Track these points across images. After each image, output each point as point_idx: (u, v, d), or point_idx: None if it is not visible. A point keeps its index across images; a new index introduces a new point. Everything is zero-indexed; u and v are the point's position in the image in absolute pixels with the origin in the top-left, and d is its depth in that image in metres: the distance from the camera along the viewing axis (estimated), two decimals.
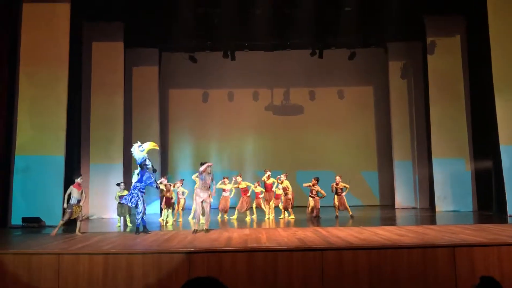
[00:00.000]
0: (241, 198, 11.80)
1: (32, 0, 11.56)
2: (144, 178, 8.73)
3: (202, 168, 8.73)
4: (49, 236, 8.53)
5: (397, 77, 15.96)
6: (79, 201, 8.77)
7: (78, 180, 8.84)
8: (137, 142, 8.89)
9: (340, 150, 16.86)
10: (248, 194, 11.82)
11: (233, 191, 12.00)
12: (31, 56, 11.41)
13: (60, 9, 11.59)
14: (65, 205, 8.81)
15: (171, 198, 11.38)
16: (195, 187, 10.29)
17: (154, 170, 8.98)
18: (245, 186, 11.80)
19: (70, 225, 11.13)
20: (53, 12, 11.60)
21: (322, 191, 11.37)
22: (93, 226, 11.46)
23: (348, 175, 12.20)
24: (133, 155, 8.81)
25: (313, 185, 11.37)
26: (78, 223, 8.72)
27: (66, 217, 8.63)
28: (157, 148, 9.46)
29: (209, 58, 16.34)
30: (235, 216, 11.93)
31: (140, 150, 8.72)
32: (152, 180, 8.82)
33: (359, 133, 17.08)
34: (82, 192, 8.87)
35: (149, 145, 8.90)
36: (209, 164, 8.84)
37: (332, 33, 14.70)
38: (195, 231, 8.50)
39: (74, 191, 8.74)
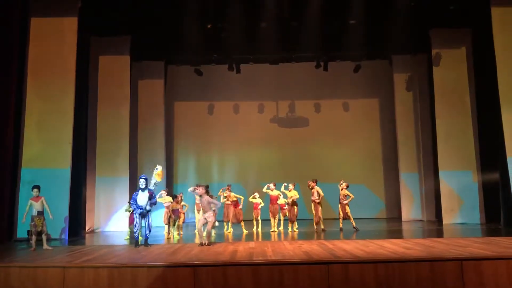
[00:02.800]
0: (234, 210, 11.66)
1: (40, 14, 11.70)
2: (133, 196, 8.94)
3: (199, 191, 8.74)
4: (55, 248, 8.57)
5: (402, 89, 15.95)
6: (39, 212, 8.66)
7: (33, 193, 8.78)
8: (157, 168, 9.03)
9: (345, 162, 16.82)
10: (240, 207, 11.81)
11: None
12: (38, 70, 11.52)
13: (67, 23, 11.72)
14: (24, 220, 8.74)
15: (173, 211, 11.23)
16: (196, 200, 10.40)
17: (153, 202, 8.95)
18: (236, 199, 11.73)
19: (76, 237, 11.24)
20: (60, 27, 11.73)
21: (321, 192, 11.46)
22: (99, 239, 11.45)
23: (353, 187, 12.19)
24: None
25: (311, 187, 11.44)
26: (44, 236, 8.65)
27: (32, 229, 8.59)
28: (159, 179, 9.10)
29: (214, 71, 16.45)
30: (230, 230, 11.81)
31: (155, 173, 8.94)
32: (133, 203, 8.85)
33: (364, 145, 17.05)
34: (41, 202, 8.73)
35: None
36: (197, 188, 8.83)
37: (337, 46, 14.78)
38: (202, 244, 8.52)
39: (33, 203, 8.70)
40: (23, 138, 11.27)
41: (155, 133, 15.53)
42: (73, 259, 7.09)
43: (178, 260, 6.83)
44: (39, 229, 8.62)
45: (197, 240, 10.05)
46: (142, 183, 8.77)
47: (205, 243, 8.51)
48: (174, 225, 11.13)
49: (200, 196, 8.77)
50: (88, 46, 13.26)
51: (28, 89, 11.44)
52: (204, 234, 8.77)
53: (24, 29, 11.51)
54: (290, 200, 11.55)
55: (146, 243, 8.76)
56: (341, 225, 11.58)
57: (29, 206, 8.72)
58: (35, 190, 8.84)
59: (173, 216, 11.13)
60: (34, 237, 8.59)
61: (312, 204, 11.48)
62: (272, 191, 11.78)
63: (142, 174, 9.20)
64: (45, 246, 8.61)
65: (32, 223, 8.62)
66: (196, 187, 8.84)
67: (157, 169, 8.95)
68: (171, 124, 17.09)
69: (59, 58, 11.59)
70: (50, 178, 10.73)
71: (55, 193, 10.40)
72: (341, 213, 11.46)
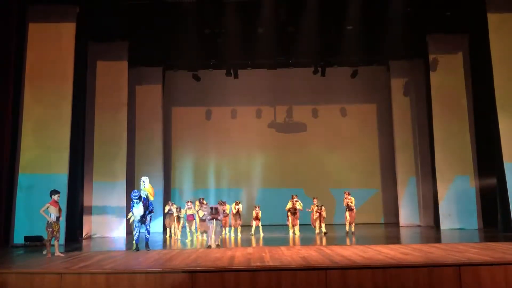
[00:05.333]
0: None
1: (38, 19, 11.72)
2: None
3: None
4: (48, 256, 8.52)
5: (399, 95, 16.01)
6: (57, 218, 8.50)
7: (54, 197, 8.55)
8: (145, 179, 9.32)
9: (343, 167, 16.83)
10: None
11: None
12: (36, 75, 11.51)
13: (65, 28, 11.74)
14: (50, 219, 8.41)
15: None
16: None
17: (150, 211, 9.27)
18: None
19: (74, 242, 11.19)
20: (58, 32, 11.74)
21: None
22: (96, 244, 11.39)
23: (351, 193, 12.29)
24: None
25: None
26: (56, 243, 8.47)
27: (49, 236, 8.38)
28: (150, 195, 9.37)
29: (212, 76, 16.46)
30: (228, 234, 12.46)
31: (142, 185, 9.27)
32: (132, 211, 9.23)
33: (362, 150, 17.06)
34: (59, 209, 8.59)
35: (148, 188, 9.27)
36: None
37: (335, 51, 14.83)
38: (209, 246, 9.07)
39: (51, 208, 8.46)
40: (20, 144, 11.23)
41: (153, 138, 15.51)
42: (70, 265, 7.05)
43: (176, 265, 6.80)
44: (55, 234, 8.42)
45: (194, 247, 10.08)
46: (135, 197, 8.90)
47: (217, 245, 9.24)
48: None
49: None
50: (86, 52, 13.26)
51: (25, 94, 11.44)
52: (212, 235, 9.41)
53: (22, 35, 11.52)
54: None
55: (147, 246, 8.99)
56: (347, 229, 12.14)
57: (46, 208, 8.43)
58: (58, 195, 8.58)
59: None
60: (57, 243, 8.44)
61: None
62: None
63: (132, 191, 9.20)
64: (57, 252, 8.44)
65: (50, 230, 8.38)
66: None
67: (143, 182, 9.13)
68: (168, 129, 17.07)
69: (57, 63, 11.59)
70: (47, 183, 10.63)
71: None
72: (348, 218, 12.08)
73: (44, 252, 8.58)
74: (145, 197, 9.07)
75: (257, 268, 6.41)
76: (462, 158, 13.80)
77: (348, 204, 12.10)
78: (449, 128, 13.93)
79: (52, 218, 8.46)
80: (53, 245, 8.50)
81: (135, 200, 8.89)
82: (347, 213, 12.11)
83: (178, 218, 12.18)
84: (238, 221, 12.41)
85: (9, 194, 10.90)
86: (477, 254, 7.17)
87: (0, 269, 6.82)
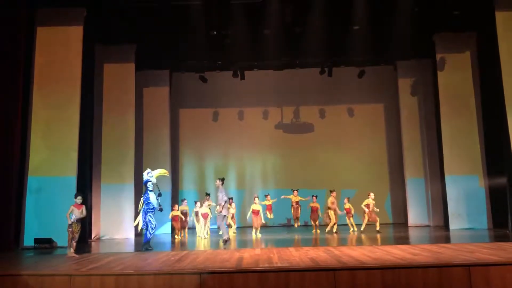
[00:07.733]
0: (255, 217, 12.96)
1: (46, 23, 11.81)
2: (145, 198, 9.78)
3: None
4: (62, 256, 8.58)
5: (407, 94, 15.93)
6: (78, 219, 8.83)
7: (77, 201, 8.93)
8: (147, 170, 10.04)
9: (351, 168, 16.77)
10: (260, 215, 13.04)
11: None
12: (44, 78, 11.60)
13: (73, 32, 11.82)
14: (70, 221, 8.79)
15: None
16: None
17: (159, 195, 9.84)
18: (258, 209, 13.02)
19: (83, 244, 11.25)
20: (66, 35, 11.83)
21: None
22: (105, 246, 11.45)
23: (359, 194, 12.29)
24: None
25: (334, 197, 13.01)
26: (74, 243, 8.74)
27: (70, 236, 8.72)
28: (166, 174, 10.66)
29: (219, 77, 16.48)
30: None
31: (148, 175, 9.84)
32: (149, 201, 9.67)
33: (370, 150, 17.00)
34: (82, 210, 8.92)
35: (159, 172, 10.12)
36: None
37: (341, 51, 14.77)
38: (225, 241, 9.64)
39: (74, 210, 8.83)
40: (29, 146, 11.33)
41: (160, 140, 15.55)
42: (80, 267, 7.10)
43: (184, 267, 6.83)
44: (75, 234, 8.75)
45: (202, 248, 10.11)
46: (150, 186, 9.73)
47: (228, 238, 9.66)
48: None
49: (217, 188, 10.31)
50: (93, 54, 13.33)
51: (34, 97, 11.53)
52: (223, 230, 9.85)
53: (30, 38, 11.61)
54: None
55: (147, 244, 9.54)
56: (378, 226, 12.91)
57: (70, 212, 8.81)
58: (79, 197, 8.98)
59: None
60: (74, 244, 8.73)
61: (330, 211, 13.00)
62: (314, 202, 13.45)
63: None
64: (72, 252, 8.64)
65: (70, 230, 8.71)
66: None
67: (148, 173, 9.88)
68: (176, 131, 17.13)
69: (65, 66, 11.67)
70: (56, 185, 10.77)
71: (61, 201, 10.42)
72: (369, 218, 12.94)
73: (68, 253, 8.70)
74: (151, 187, 9.73)
75: (266, 269, 6.41)
76: (471, 158, 13.69)
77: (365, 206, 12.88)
78: (457, 127, 13.82)
79: (73, 219, 8.77)
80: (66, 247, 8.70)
81: (149, 187, 9.68)
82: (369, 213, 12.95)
83: (197, 214, 12.73)
84: (260, 221, 12.77)
85: (18, 197, 10.99)
86: (487, 254, 7.12)
87: (10, 271, 6.90)
